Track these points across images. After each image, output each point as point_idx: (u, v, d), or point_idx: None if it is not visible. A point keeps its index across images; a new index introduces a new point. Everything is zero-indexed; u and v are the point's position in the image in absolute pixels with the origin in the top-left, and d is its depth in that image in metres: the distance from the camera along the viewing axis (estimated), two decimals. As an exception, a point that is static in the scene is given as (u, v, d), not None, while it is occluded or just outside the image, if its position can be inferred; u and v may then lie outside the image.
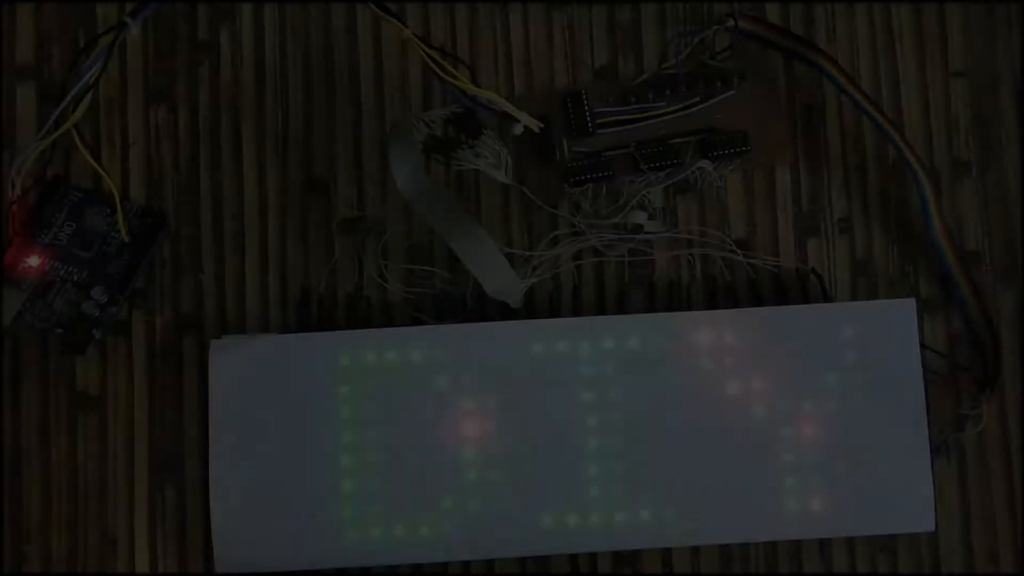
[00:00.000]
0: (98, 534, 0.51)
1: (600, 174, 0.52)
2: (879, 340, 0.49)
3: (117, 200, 0.50)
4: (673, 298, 0.52)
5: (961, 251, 0.52)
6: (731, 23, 0.51)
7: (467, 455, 0.48)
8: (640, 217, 0.51)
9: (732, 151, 0.52)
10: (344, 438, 0.48)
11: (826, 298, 0.51)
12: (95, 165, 0.49)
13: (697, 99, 0.53)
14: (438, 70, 0.47)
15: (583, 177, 0.52)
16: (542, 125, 0.49)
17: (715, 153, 0.52)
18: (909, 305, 0.49)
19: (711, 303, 0.52)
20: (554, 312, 0.52)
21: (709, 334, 0.49)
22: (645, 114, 0.52)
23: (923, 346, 0.50)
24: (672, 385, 0.49)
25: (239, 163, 0.53)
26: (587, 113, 0.52)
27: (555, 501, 0.48)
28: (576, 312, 0.52)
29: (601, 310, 0.52)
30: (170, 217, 0.52)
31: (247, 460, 0.48)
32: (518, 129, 0.48)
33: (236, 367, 0.49)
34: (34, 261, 0.50)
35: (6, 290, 0.49)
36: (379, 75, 0.53)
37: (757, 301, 0.52)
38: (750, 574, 0.51)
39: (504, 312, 0.51)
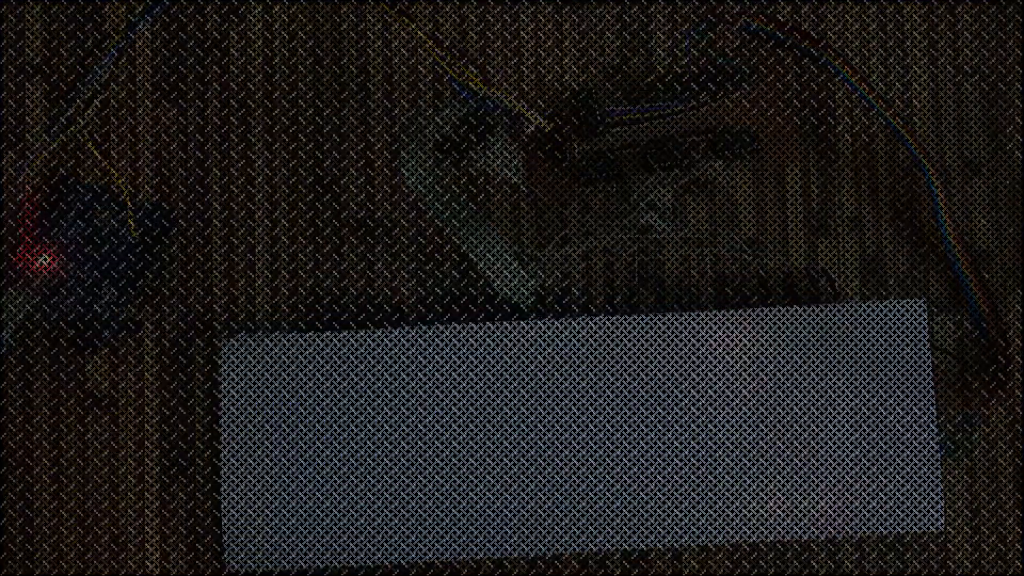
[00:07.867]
0: (108, 533, 0.51)
1: (610, 173, 0.52)
2: (889, 340, 0.49)
3: (127, 199, 0.50)
4: (683, 298, 0.52)
5: (971, 251, 0.52)
6: (742, 22, 0.51)
7: (479, 453, 0.49)
8: (650, 217, 0.50)
9: (742, 150, 0.52)
10: (354, 437, 0.48)
11: (836, 298, 0.51)
12: (105, 164, 0.49)
13: (707, 98, 0.53)
14: (448, 69, 0.47)
15: (593, 176, 0.52)
16: (552, 124, 0.49)
17: (725, 152, 0.52)
18: (919, 306, 0.49)
19: (721, 303, 0.52)
20: (564, 312, 0.52)
21: (719, 334, 0.49)
22: (655, 113, 0.52)
23: (933, 346, 0.50)
24: (681, 385, 0.49)
25: (249, 162, 0.53)
26: (597, 112, 0.52)
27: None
28: (586, 312, 0.52)
29: (611, 310, 0.52)
30: (180, 216, 0.52)
31: (258, 459, 0.48)
32: (528, 128, 0.48)
33: (247, 366, 0.49)
34: (44, 260, 0.50)
35: (16, 290, 0.49)
36: (389, 73, 0.53)
37: (767, 301, 0.52)
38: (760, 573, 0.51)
39: (514, 312, 0.51)
